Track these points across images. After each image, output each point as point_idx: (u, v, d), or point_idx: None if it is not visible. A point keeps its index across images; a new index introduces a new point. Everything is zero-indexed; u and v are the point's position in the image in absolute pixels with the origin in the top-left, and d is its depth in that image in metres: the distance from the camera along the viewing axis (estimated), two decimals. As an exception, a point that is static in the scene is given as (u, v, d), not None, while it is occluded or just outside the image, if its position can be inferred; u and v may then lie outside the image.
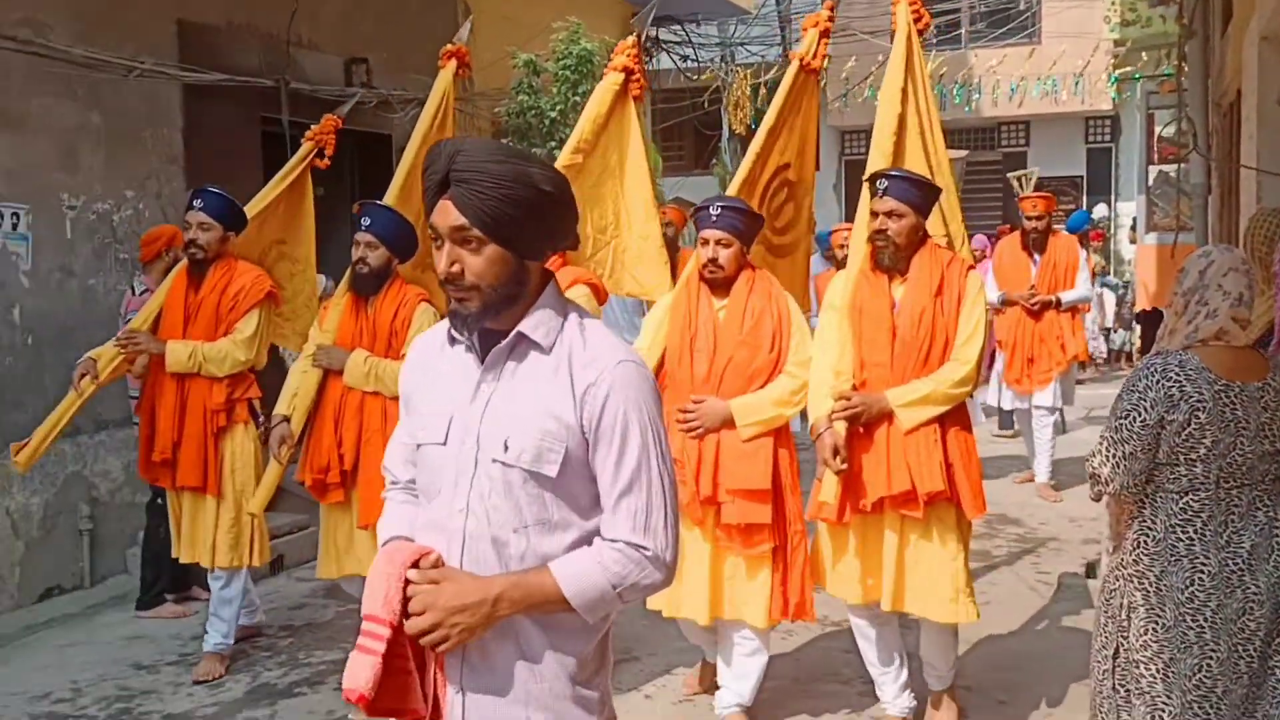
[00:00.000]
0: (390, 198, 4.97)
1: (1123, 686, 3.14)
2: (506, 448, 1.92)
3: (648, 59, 13.15)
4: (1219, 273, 3.04)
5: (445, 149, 1.91)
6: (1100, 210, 16.14)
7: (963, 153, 18.38)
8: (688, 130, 17.02)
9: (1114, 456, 3.05)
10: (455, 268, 1.91)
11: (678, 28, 12.45)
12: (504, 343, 1.98)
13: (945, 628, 4.01)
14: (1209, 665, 2.98)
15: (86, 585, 6.17)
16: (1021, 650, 5.03)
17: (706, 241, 4.07)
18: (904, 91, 4.25)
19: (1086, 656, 3.70)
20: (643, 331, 4.33)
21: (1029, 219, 7.90)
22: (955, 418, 3.93)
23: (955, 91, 15.09)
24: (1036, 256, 7.92)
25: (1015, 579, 6.05)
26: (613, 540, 1.95)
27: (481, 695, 1.97)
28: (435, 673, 1.98)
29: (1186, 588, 2.99)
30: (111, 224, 6.36)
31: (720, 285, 4.09)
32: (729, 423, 3.97)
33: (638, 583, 1.96)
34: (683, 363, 4.08)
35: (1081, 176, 18.30)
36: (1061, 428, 8.22)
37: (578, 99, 8.71)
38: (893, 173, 4.00)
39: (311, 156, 5.51)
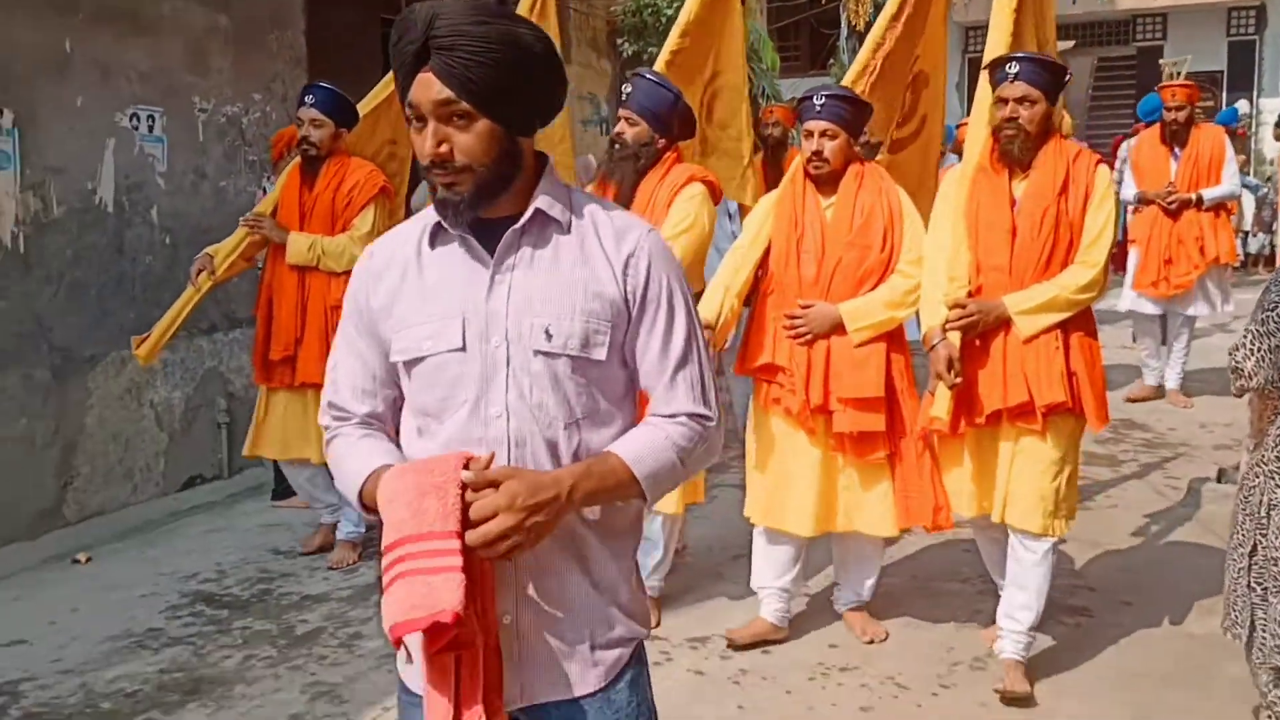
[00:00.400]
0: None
1: (1259, 584, 3.08)
2: (549, 336, 1.74)
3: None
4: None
5: (419, 14, 1.68)
6: (1242, 106, 15.31)
7: (1090, 56, 17.70)
8: (803, 28, 16.61)
9: (1259, 350, 2.95)
10: (443, 148, 1.69)
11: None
12: (519, 224, 1.77)
13: (1031, 540, 3.66)
14: (1352, 566, 2.90)
15: (225, 475, 6.43)
16: (1149, 554, 4.95)
17: (810, 134, 3.87)
18: None
19: (1214, 561, 3.63)
20: (744, 231, 4.14)
21: (1169, 109, 7.39)
22: (1079, 323, 3.65)
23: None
24: (1177, 151, 7.44)
25: (1143, 485, 5.92)
26: (672, 415, 1.81)
27: (538, 614, 1.77)
28: (482, 595, 1.68)
29: (1330, 486, 2.90)
30: (240, 126, 6.50)
31: (826, 181, 3.90)
32: (839, 328, 3.80)
33: (700, 455, 1.84)
34: (789, 265, 3.89)
35: (1222, 71, 17.39)
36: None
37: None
38: (1022, 55, 3.73)
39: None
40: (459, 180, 1.71)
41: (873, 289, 3.83)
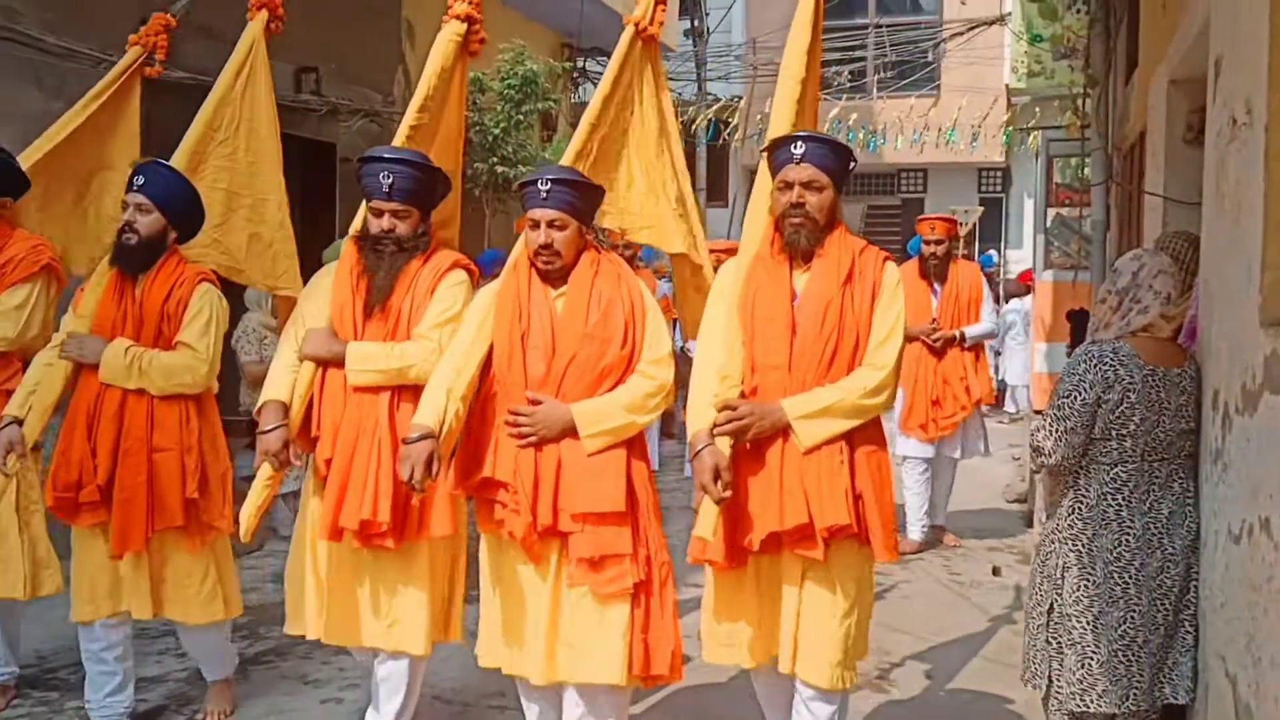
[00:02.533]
0: (179, 159, 4.28)
1: (1055, 639, 3.54)
2: None
3: (575, 89, 13.58)
4: (1150, 275, 3.50)
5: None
6: (993, 256, 17.01)
7: (861, 203, 19.31)
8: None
9: (1056, 431, 3.47)
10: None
11: (605, 59, 12.83)
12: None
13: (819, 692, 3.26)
14: (1132, 618, 3.41)
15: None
16: (943, 636, 5.44)
17: (537, 224, 3.40)
18: (809, 54, 3.69)
19: (997, 639, 4.04)
20: (463, 326, 3.55)
21: (928, 242, 7.10)
22: (867, 435, 3.27)
23: (863, 138, 15.82)
24: (937, 287, 7.14)
25: (930, 580, 6.48)
26: None
27: None
28: None
29: (1114, 548, 3.42)
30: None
31: (557, 275, 3.45)
32: (571, 431, 3.30)
33: None
34: (514, 363, 3.38)
35: (976, 223, 19.26)
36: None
37: (520, 117, 9.05)
38: (809, 134, 3.36)
39: (140, 63, 4.83)
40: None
41: (611, 389, 3.38)
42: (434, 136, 4.03)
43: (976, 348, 7.14)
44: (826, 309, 3.25)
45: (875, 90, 18.25)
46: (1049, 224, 10.23)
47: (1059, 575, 3.54)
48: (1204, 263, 3.72)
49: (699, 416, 3.24)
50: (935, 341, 6.98)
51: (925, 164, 19.06)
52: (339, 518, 3.54)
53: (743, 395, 3.26)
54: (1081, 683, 3.43)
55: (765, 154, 3.46)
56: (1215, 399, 3.36)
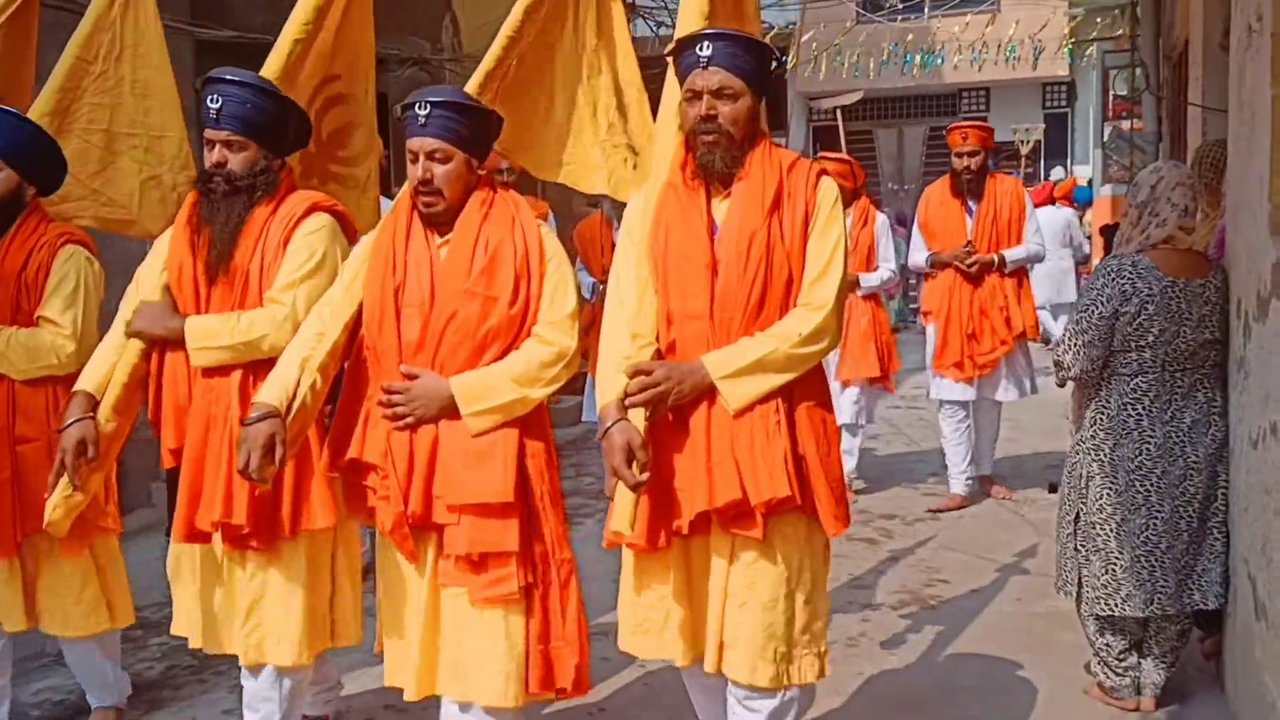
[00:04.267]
0: (44, 100, 3.71)
1: (1083, 547, 3.64)
2: None
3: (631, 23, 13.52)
4: (1168, 187, 3.53)
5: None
6: (1057, 173, 16.73)
7: (923, 125, 19.03)
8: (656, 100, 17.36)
9: (1075, 345, 3.53)
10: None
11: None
12: None
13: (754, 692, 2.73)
14: (1155, 524, 3.49)
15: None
16: (994, 553, 5.52)
17: (415, 156, 2.84)
18: None
19: (1045, 557, 4.05)
20: (335, 283, 3.05)
21: (959, 154, 6.18)
22: (807, 389, 2.73)
23: (921, 58, 15.57)
24: (972, 205, 6.22)
25: (984, 496, 6.53)
26: None
27: None
28: None
29: (1135, 456, 3.49)
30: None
31: (442, 219, 2.89)
32: (451, 409, 2.79)
33: None
34: (386, 326, 2.86)
35: (1040, 141, 18.92)
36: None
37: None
38: (716, 31, 2.75)
39: None
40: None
41: (499, 357, 2.83)
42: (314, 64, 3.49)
43: (1019, 273, 6.25)
44: (751, 242, 2.67)
45: (929, 8, 17.89)
46: (1105, 138, 10.04)
47: (1084, 484, 3.62)
48: (1229, 172, 3.73)
49: (608, 386, 2.69)
50: (970, 267, 6.11)
51: (987, 82, 18.67)
52: (194, 518, 3.07)
53: (659, 354, 2.72)
54: (1106, 588, 3.53)
55: (670, 58, 2.86)
56: (1238, 307, 3.40)
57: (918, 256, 6.44)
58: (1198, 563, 3.53)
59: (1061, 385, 3.71)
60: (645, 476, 2.55)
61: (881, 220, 6.76)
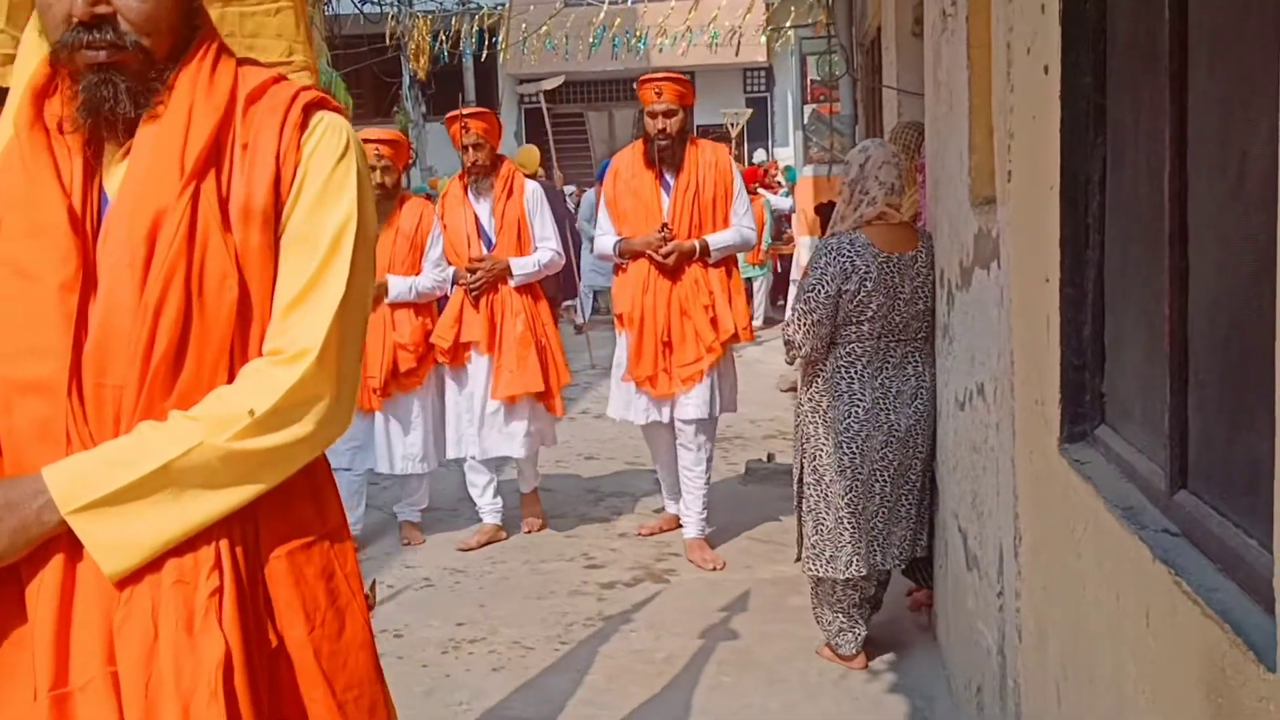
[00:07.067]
0: None
1: (805, 505, 3.78)
2: None
3: (327, 2, 13.03)
4: (875, 165, 3.70)
5: None
6: (759, 155, 17.45)
7: (633, 108, 19.36)
8: (366, 77, 16.89)
9: (804, 325, 3.65)
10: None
11: (357, -31, 12.37)
12: None
13: None
14: (856, 488, 3.66)
15: None
16: (720, 522, 5.68)
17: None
18: None
19: (772, 523, 4.26)
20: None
21: (652, 114, 4.95)
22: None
23: (629, 42, 15.83)
24: (669, 178, 5.00)
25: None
26: None
27: None
28: None
29: (845, 419, 3.65)
30: None
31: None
32: None
33: None
34: None
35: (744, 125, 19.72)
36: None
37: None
38: None
39: None
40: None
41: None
42: None
43: (727, 262, 5.03)
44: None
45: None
46: (805, 121, 10.55)
47: (801, 445, 3.76)
48: (927, 149, 3.95)
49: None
50: (666, 257, 4.86)
51: (692, 67, 19.22)
52: None
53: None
54: (814, 548, 3.68)
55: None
56: (941, 277, 3.61)
57: (605, 242, 5.12)
58: (894, 531, 3.71)
59: (791, 364, 3.84)
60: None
61: (533, 189, 5.34)
